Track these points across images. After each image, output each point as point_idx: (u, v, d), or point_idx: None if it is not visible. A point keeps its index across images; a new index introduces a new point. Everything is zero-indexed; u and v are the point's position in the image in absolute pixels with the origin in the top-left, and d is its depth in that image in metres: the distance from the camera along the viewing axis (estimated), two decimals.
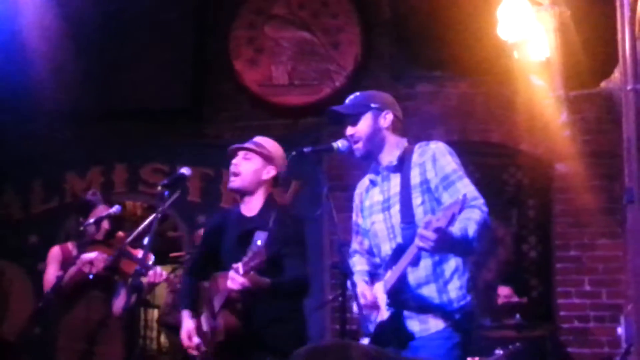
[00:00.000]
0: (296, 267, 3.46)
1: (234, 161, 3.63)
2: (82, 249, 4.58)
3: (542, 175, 6.19)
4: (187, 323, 3.62)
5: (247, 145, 3.66)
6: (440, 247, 2.73)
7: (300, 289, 3.52)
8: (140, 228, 3.95)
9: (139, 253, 4.37)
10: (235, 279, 3.26)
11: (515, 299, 5.75)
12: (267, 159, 3.62)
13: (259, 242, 3.26)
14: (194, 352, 3.55)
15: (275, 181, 3.66)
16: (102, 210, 4.62)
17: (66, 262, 4.57)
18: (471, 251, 2.88)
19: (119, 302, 4.60)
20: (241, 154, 3.64)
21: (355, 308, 3.07)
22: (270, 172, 3.62)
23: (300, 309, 3.63)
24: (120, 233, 4.69)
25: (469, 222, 2.81)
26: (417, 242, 2.74)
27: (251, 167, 3.60)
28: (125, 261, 4.47)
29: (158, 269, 4.23)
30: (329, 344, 2.29)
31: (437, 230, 2.65)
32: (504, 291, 5.80)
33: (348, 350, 2.37)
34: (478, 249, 2.87)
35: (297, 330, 3.55)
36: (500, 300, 5.75)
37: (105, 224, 4.62)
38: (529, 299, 6.11)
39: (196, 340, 3.54)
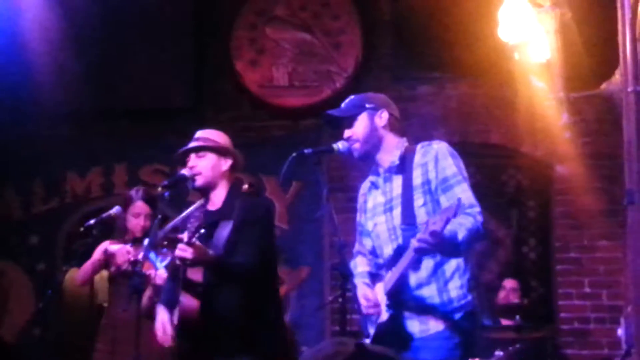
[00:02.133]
0: (243, 252, 3.45)
1: (190, 163, 3.63)
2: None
3: (542, 177, 6.19)
4: (162, 315, 3.57)
5: (195, 145, 3.66)
6: (433, 250, 2.83)
7: (241, 273, 3.46)
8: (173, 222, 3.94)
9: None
10: (184, 248, 3.29)
11: (518, 295, 5.76)
12: (220, 151, 3.65)
13: (192, 207, 3.31)
14: (168, 344, 3.50)
15: (234, 167, 3.69)
16: (139, 207, 4.57)
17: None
18: (455, 254, 2.99)
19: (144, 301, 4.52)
20: (193, 154, 3.65)
21: (357, 308, 3.08)
22: (227, 162, 3.65)
23: (274, 302, 3.61)
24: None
25: (460, 227, 2.89)
26: (414, 243, 2.80)
27: (208, 163, 3.61)
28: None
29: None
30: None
31: (433, 233, 2.73)
32: (510, 284, 5.80)
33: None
34: (463, 253, 3.00)
35: (268, 326, 3.52)
36: (503, 293, 5.76)
37: (141, 220, 4.55)
38: (529, 301, 6.12)
39: (169, 331, 3.52)
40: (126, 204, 4.57)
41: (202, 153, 3.62)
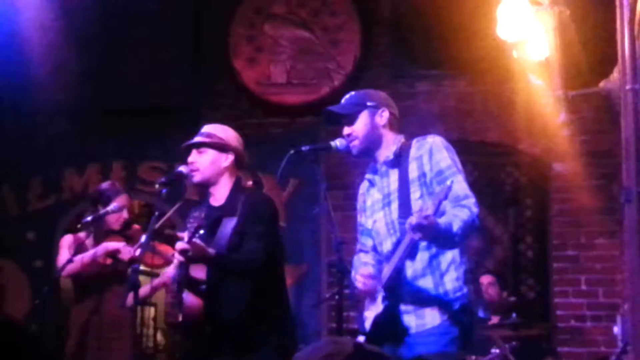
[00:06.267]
0: (247, 248, 3.41)
1: (189, 159, 3.60)
2: (98, 239, 4.54)
3: (540, 175, 6.20)
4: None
5: (195, 140, 3.63)
6: (428, 234, 2.80)
7: (246, 269, 3.43)
8: (166, 217, 3.95)
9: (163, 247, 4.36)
10: (178, 244, 3.28)
11: (496, 290, 5.75)
12: (221, 147, 3.61)
13: (198, 213, 3.34)
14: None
15: (238, 164, 3.65)
16: (122, 199, 4.57)
17: (78, 250, 4.48)
18: (451, 245, 2.98)
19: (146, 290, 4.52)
20: (194, 150, 3.62)
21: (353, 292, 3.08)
22: (228, 158, 3.60)
23: (281, 302, 3.58)
24: (136, 226, 4.65)
25: (456, 218, 2.88)
26: (407, 226, 2.78)
27: (207, 159, 3.58)
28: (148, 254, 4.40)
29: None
30: None
31: (427, 217, 2.72)
32: (486, 279, 5.80)
33: None
34: (458, 244, 2.98)
35: (275, 326, 3.48)
36: (484, 288, 5.76)
37: (125, 214, 4.55)
38: (526, 298, 6.13)
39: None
40: (106, 199, 4.60)
41: (203, 149, 3.59)
